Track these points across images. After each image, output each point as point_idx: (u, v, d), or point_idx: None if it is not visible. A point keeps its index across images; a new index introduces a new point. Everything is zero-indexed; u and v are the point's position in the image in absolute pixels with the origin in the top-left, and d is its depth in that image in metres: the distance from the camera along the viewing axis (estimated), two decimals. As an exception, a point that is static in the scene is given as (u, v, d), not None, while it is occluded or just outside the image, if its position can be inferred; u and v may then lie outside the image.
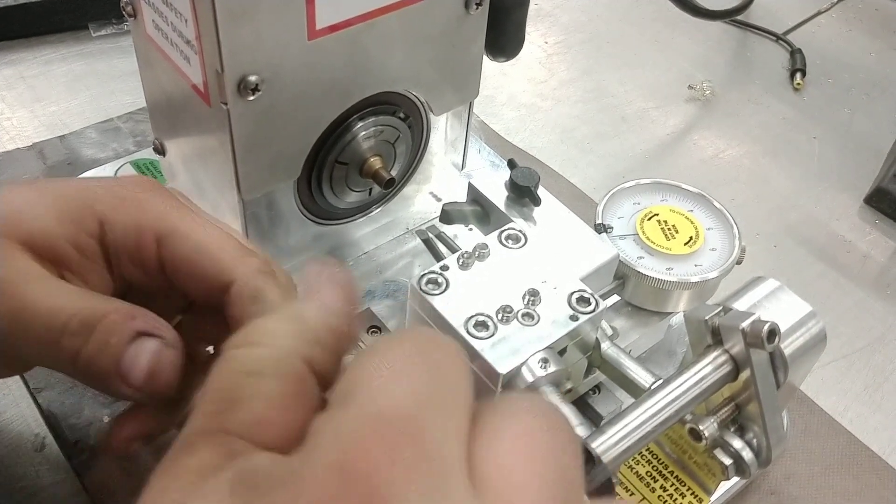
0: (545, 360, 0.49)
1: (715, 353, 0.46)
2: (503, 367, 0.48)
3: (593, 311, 0.51)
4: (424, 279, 0.51)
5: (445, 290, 0.51)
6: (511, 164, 0.59)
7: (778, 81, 0.94)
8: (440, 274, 0.52)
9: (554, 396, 0.49)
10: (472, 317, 0.47)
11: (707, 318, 0.49)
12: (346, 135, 0.52)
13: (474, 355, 0.49)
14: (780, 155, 0.92)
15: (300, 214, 0.54)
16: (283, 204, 0.52)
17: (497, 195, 0.57)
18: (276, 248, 0.54)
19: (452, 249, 0.54)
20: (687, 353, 0.53)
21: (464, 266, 0.53)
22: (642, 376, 0.53)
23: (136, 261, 0.34)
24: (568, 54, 1.00)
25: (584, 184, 0.76)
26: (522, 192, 0.55)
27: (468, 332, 0.49)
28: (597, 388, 0.60)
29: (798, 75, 0.93)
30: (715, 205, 0.61)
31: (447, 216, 0.59)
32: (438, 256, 0.58)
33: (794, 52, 0.96)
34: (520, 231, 0.54)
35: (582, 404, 0.59)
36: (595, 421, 0.61)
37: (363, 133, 0.52)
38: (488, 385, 0.49)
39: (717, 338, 0.49)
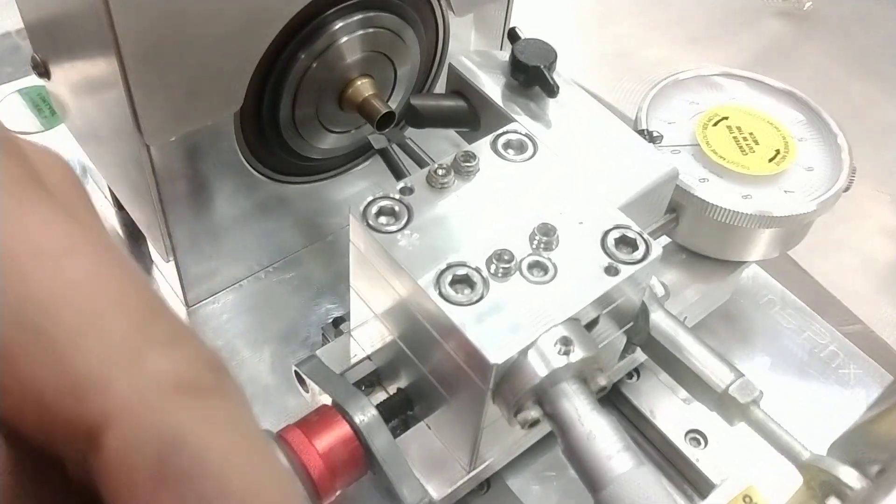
0: (566, 342, 0.29)
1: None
2: (498, 354, 0.28)
3: (643, 259, 0.31)
4: (374, 208, 0.32)
5: (406, 224, 0.31)
6: (512, 36, 0.39)
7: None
8: (398, 201, 0.32)
9: (581, 401, 0.30)
10: (448, 268, 0.28)
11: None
12: (315, 41, 0.35)
13: (449, 331, 0.29)
14: None
15: (247, 169, 0.39)
16: (219, 154, 0.37)
17: (491, 82, 0.36)
18: (211, 223, 0.39)
19: (421, 165, 0.34)
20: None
21: (438, 187, 0.33)
22: (716, 371, 0.33)
23: None
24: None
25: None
26: (531, 77, 0.36)
27: (441, 292, 0.30)
28: (635, 371, 0.41)
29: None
30: (810, 105, 0.41)
31: (416, 115, 0.39)
32: (401, 175, 0.38)
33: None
34: (525, 136, 0.34)
35: (614, 394, 0.40)
36: (633, 421, 0.41)
37: (344, 38, 0.36)
38: (472, 380, 0.30)
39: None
